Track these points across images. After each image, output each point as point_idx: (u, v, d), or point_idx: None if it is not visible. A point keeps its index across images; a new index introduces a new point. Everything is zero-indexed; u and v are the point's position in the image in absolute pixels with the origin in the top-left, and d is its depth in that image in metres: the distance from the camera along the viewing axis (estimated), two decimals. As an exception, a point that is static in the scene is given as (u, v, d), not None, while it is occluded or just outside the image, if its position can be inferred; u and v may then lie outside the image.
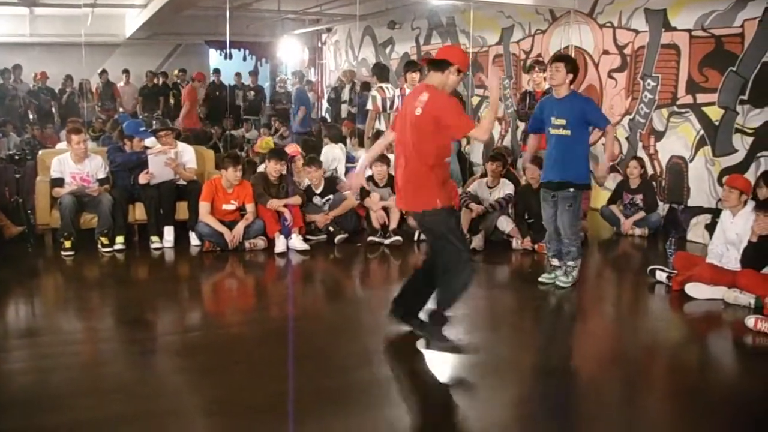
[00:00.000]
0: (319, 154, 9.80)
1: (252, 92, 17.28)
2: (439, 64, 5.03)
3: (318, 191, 8.76)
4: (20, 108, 15.16)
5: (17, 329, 5.94)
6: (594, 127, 6.64)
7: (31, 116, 14.94)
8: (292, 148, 9.12)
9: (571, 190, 6.43)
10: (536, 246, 8.06)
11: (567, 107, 6.40)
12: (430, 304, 5.24)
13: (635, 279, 7.28)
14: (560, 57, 6.75)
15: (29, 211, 8.27)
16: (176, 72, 17.86)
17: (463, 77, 5.19)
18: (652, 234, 8.93)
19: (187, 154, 8.69)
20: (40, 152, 8.98)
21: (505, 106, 12.24)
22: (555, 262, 6.82)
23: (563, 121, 6.38)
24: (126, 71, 17.06)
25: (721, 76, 8.50)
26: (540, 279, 6.84)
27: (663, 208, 9.22)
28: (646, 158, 9.38)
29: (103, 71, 16.89)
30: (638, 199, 8.96)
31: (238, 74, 17.76)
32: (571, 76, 6.44)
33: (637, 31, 9.63)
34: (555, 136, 6.47)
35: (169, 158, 8.30)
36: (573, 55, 10.35)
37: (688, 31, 8.87)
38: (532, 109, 9.28)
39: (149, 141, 8.74)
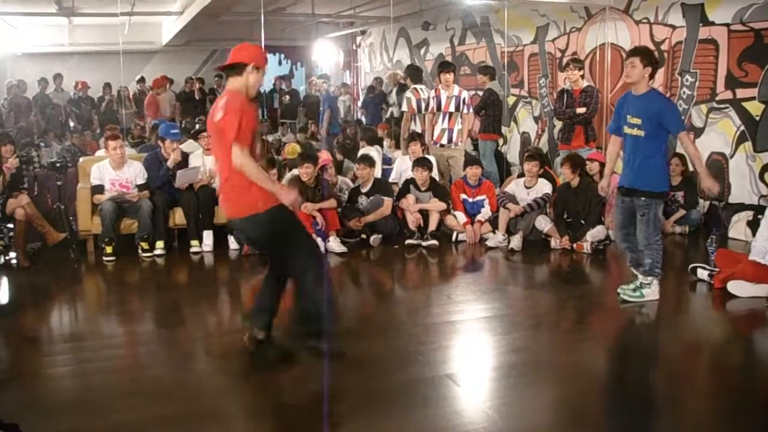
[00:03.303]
0: (355, 157, 9.81)
1: (287, 96, 17.36)
2: (234, 68, 4.73)
3: (365, 190, 8.77)
4: (61, 117, 15.38)
5: (61, 334, 6.04)
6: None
7: (72, 124, 15.16)
8: (324, 156, 9.12)
9: (643, 199, 6.02)
10: (575, 245, 8.01)
11: (643, 105, 5.98)
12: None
13: (676, 277, 7.19)
14: (635, 51, 6.25)
15: (71, 218, 8.39)
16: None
17: (264, 73, 4.81)
18: (692, 231, 8.83)
19: None
20: (80, 160, 9.11)
21: (542, 105, 12.18)
22: (633, 270, 6.37)
23: (638, 121, 5.97)
24: (168, 79, 17.21)
25: (761, 71, 8.37)
26: (619, 290, 6.39)
27: (703, 206, 9.11)
28: (685, 155, 9.26)
29: (141, 78, 17.08)
30: (679, 196, 8.87)
31: (279, 78, 17.93)
32: (649, 69, 5.94)
33: (674, 27, 9.52)
34: (629, 137, 6.09)
35: (201, 173, 8.43)
36: (608, 53, 10.29)
37: (727, 25, 8.75)
38: (569, 108, 9.27)
39: (186, 145, 8.82)
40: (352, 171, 9.55)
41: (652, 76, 6.06)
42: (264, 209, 4.66)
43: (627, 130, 6.10)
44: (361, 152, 10.13)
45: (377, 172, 9.86)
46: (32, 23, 15.97)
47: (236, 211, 4.83)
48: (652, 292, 6.19)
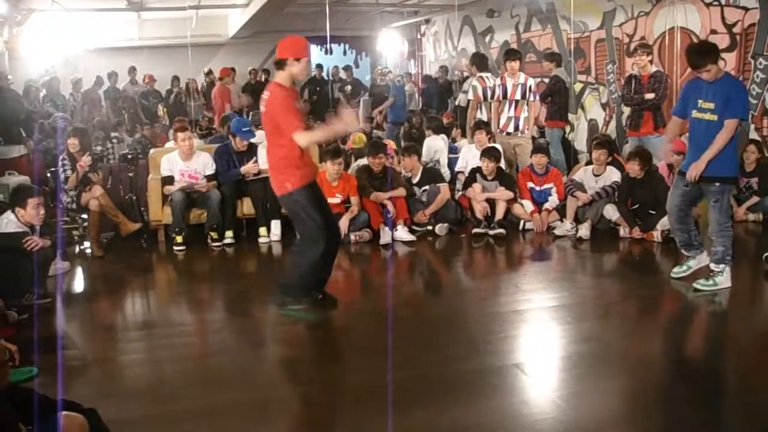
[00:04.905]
0: (421, 146, 9.81)
1: (349, 86, 17.40)
2: (279, 63, 5.57)
3: (415, 181, 8.76)
4: (131, 109, 15.67)
5: (134, 322, 6.19)
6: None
7: (142, 117, 15.47)
8: (387, 144, 9.14)
9: (717, 185, 5.94)
10: (645, 235, 7.86)
11: (718, 90, 5.85)
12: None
13: (750, 266, 7.03)
14: (704, 56, 5.95)
15: (142, 208, 8.56)
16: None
17: (307, 62, 5.58)
18: (767, 219, 8.59)
19: None
20: (150, 151, 9.28)
21: (609, 91, 12.00)
22: (684, 252, 6.38)
23: (711, 105, 5.86)
24: (232, 70, 17.40)
25: (839, 53, 8.12)
26: (672, 274, 6.43)
27: (779, 192, 8.87)
28: (760, 141, 9.02)
29: (209, 71, 17.31)
30: (753, 182, 8.64)
31: (336, 68, 18.00)
32: (720, 63, 5.96)
33: (746, 9, 9.28)
34: (700, 122, 5.95)
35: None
36: (678, 37, 10.08)
37: (803, 5, 8.50)
38: (638, 94, 9.09)
39: (257, 136, 8.89)
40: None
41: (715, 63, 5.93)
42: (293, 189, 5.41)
43: (697, 114, 5.95)
44: (426, 141, 10.14)
45: (443, 161, 9.86)
46: (102, 19, 16.33)
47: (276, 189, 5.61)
48: (725, 279, 6.06)
